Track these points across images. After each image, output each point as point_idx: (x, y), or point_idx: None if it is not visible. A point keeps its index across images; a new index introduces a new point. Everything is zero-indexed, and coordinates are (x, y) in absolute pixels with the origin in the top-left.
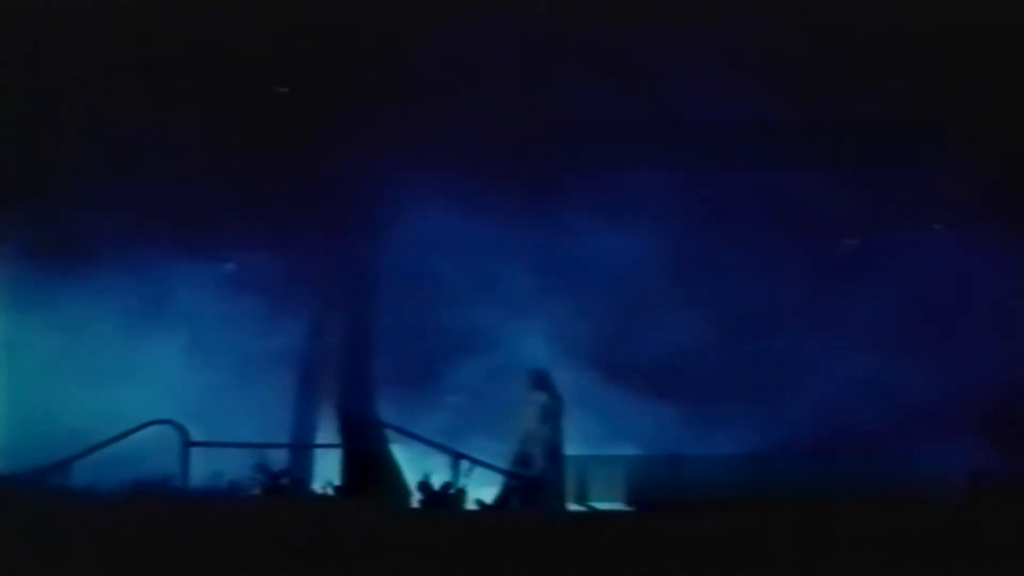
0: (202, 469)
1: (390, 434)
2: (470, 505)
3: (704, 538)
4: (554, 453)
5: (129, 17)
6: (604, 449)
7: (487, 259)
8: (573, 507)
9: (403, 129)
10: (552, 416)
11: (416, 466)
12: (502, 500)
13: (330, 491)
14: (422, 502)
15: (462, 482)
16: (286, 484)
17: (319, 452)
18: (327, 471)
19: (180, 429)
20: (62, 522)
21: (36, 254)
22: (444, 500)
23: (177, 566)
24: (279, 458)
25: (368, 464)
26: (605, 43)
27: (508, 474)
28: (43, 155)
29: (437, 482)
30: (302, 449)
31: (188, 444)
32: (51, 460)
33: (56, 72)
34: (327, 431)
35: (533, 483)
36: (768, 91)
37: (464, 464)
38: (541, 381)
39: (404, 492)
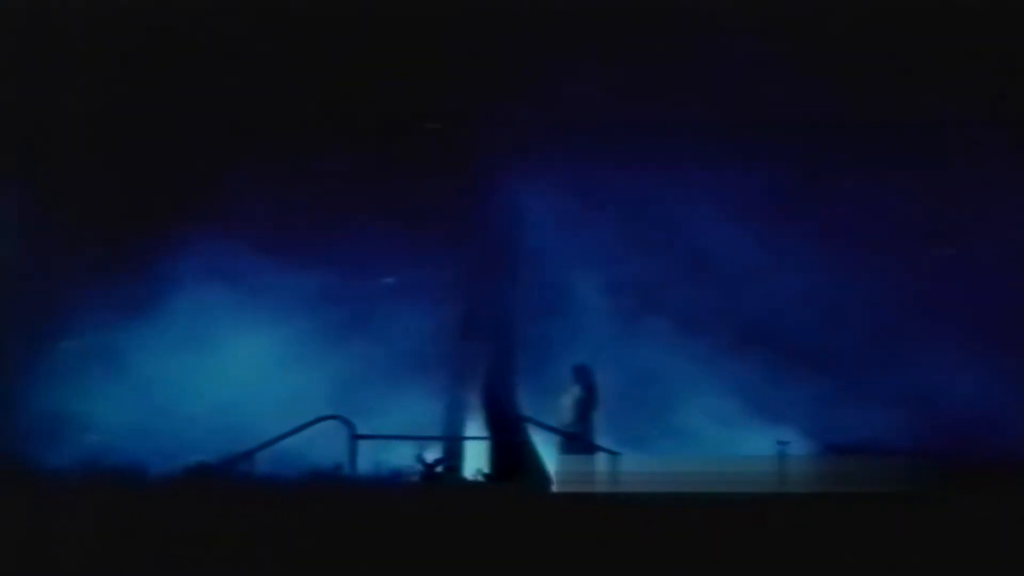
0: (367, 459)
1: (530, 427)
2: None
3: None
4: (470, 446)
5: (284, 51)
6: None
7: (626, 259)
8: None
9: (536, 133)
10: (582, 408)
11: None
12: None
13: (480, 478)
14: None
15: None
16: (441, 472)
17: (469, 443)
18: (476, 460)
19: (348, 423)
20: (252, 505)
21: (222, 267)
22: None
23: (350, 542)
24: (435, 448)
25: (512, 453)
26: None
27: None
28: (214, 172)
29: None
30: (454, 441)
31: (355, 437)
32: (237, 450)
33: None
34: (475, 424)
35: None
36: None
37: None
38: (580, 375)
39: (544, 478)
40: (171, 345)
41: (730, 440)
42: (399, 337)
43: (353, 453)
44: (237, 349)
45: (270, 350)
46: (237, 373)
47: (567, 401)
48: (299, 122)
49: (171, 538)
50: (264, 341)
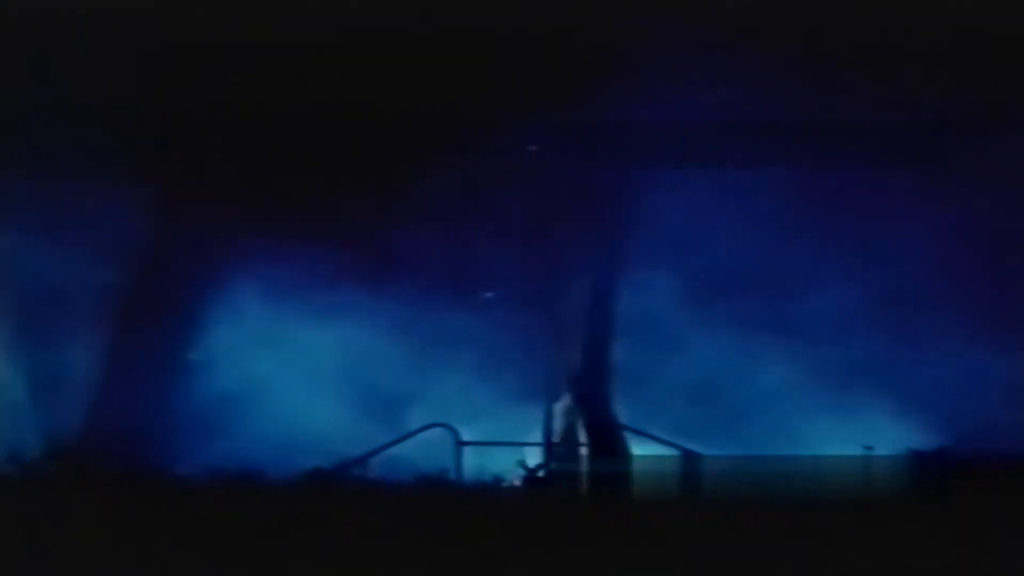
0: (471, 464)
1: (628, 434)
2: None
3: None
4: (569, 452)
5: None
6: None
7: (729, 261)
8: None
9: (632, 134)
10: (569, 417)
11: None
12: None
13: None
14: None
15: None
16: (542, 477)
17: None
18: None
19: (453, 431)
20: (367, 507)
21: (332, 276)
22: None
23: (457, 544)
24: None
25: (611, 459)
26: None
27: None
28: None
29: None
30: (555, 447)
31: (460, 443)
32: (352, 456)
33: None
34: (576, 431)
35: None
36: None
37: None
38: (571, 384)
39: (638, 484)
40: (286, 352)
41: (817, 440)
42: (502, 345)
43: (459, 459)
44: (348, 357)
45: (377, 358)
46: (346, 380)
47: (558, 410)
48: (402, 126)
49: (292, 541)
50: (371, 349)
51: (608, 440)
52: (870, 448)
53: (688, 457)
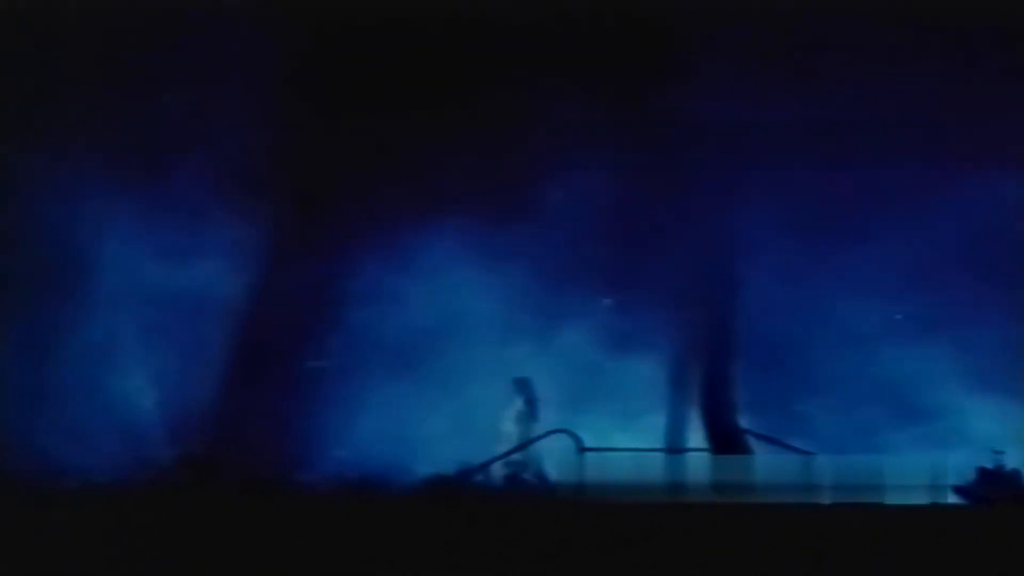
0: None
1: (751, 439)
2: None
3: None
4: (690, 457)
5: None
6: None
7: (846, 265)
8: None
9: (751, 147)
10: (524, 419)
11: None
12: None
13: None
14: None
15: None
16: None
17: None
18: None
19: (575, 437)
20: (486, 513)
21: (454, 286)
22: None
23: (576, 550)
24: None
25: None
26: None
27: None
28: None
29: None
30: (676, 453)
31: (581, 449)
32: (473, 462)
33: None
34: (698, 437)
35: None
36: None
37: None
38: (520, 387)
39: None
40: (407, 361)
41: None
42: (619, 352)
43: (580, 465)
44: (466, 365)
45: (494, 366)
46: (467, 388)
47: (510, 413)
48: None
49: (416, 549)
50: (489, 357)
51: (732, 447)
52: (1000, 452)
53: (809, 460)
